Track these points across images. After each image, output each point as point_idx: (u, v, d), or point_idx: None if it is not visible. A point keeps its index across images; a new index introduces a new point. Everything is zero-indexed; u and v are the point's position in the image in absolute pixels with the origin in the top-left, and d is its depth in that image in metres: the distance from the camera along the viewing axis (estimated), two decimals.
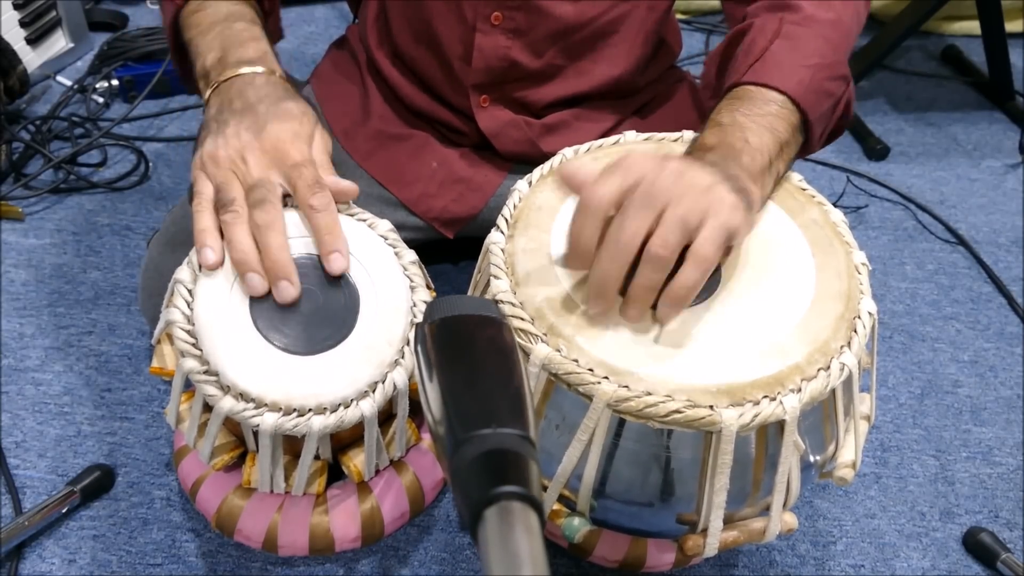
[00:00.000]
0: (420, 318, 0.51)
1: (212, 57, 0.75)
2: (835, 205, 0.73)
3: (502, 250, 0.66)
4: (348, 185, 0.71)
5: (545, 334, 0.61)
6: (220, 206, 0.66)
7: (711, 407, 0.58)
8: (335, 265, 0.66)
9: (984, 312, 1.30)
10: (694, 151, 0.67)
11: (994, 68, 1.71)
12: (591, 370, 0.59)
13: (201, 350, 0.64)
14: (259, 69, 0.74)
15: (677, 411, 0.57)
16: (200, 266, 0.66)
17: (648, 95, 0.97)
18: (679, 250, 0.57)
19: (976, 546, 0.98)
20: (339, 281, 0.68)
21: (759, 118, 0.68)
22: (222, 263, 0.66)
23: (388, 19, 0.91)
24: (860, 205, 1.47)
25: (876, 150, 1.58)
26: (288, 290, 0.64)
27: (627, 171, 0.58)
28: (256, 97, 0.71)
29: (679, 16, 1.83)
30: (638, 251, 0.57)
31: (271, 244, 0.64)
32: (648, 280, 0.57)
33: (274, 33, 0.88)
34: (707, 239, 0.57)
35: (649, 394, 0.58)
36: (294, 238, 0.68)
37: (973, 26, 1.81)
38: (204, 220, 0.66)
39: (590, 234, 0.58)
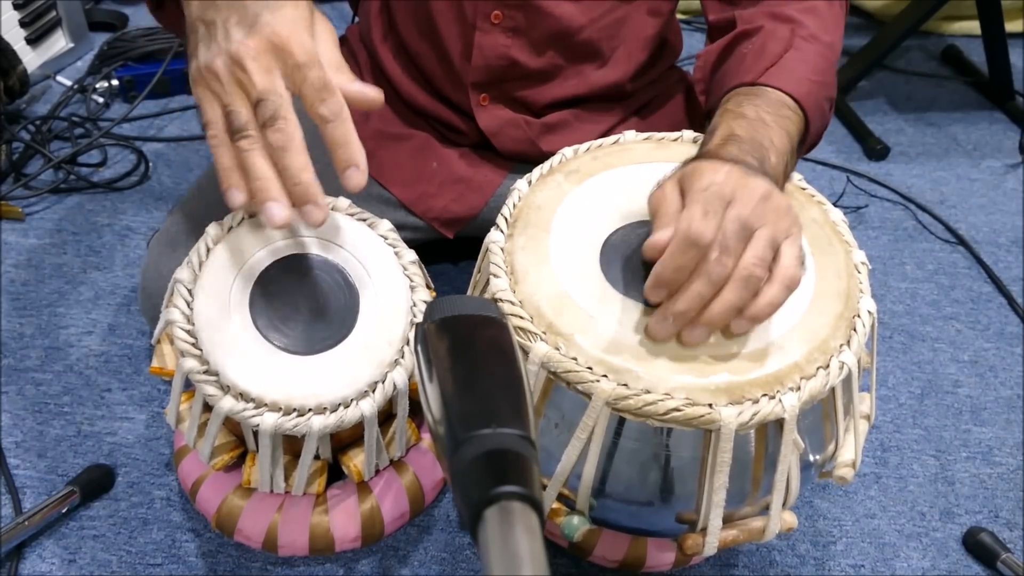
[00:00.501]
0: (420, 318, 0.51)
1: None
2: (835, 205, 0.73)
3: (501, 249, 0.66)
4: (374, 93, 0.63)
5: (544, 332, 0.61)
6: (232, 133, 0.59)
7: (710, 405, 0.58)
8: (352, 180, 0.60)
9: (984, 312, 1.30)
10: (727, 139, 0.65)
11: (994, 68, 1.71)
12: (590, 368, 0.59)
13: (201, 350, 0.64)
14: None
15: (676, 409, 0.57)
16: (228, 205, 0.61)
17: (648, 95, 0.97)
18: (766, 276, 0.58)
19: (976, 546, 0.98)
20: (339, 281, 0.68)
21: (779, 119, 0.69)
22: (247, 203, 0.60)
23: (392, 14, 0.91)
24: (860, 205, 1.47)
25: (876, 150, 1.58)
26: (316, 213, 0.59)
27: (721, 202, 0.57)
28: None
29: (679, 16, 1.83)
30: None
31: (291, 166, 0.58)
32: (739, 299, 0.57)
33: None
34: (791, 258, 0.58)
35: (648, 392, 0.58)
36: (287, 238, 0.68)
37: (973, 26, 1.81)
38: (224, 157, 0.59)
39: (688, 269, 0.57)
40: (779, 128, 0.68)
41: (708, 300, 0.57)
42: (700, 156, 0.64)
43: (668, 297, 0.58)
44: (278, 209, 0.58)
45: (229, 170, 0.59)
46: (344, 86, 0.62)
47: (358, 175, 0.60)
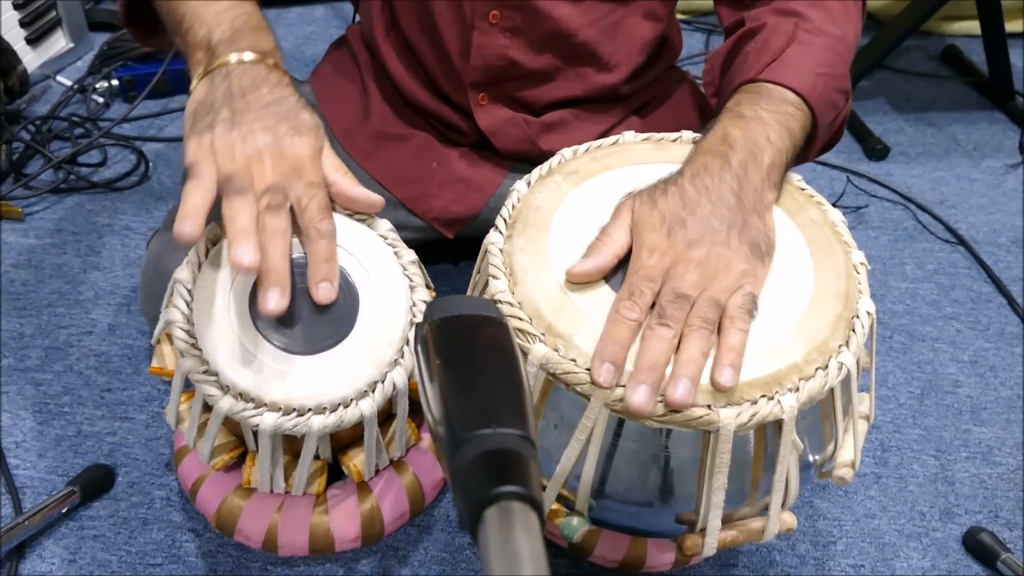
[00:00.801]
0: (420, 318, 0.51)
1: (220, 32, 0.71)
2: (835, 205, 0.73)
3: (500, 250, 0.66)
4: (376, 198, 0.70)
5: (543, 334, 0.61)
6: (231, 190, 0.62)
7: (708, 406, 0.58)
8: (323, 295, 0.64)
9: (984, 312, 1.30)
10: (718, 144, 0.66)
11: (994, 68, 1.71)
12: (588, 369, 0.59)
13: (201, 350, 0.64)
14: (271, 63, 0.71)
15: (674, 410, 0.57)
16: (175, 236, 0.61)
17: (648, 95, 0.97)
18: (716, 326, 0.59)
19: (976, 546, 0.98)
20: (339, 281, 0.68)
21: (779, 116, 0.68)
22: (196, 239, 0.61)
23: (394, 10, 0.91)
24: (860, 205, 1.47)
25: (876, 150, 1.58)
26: (279, 300, 0.61)
27: (650, 279, 0.60)
28: (272, 99, 0.68)
29: (679, 16, 1.83)
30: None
31: (274, 250, 0.62)
32: (697, 351, 0.58)
33: None
34: (737, 305, 0.60)
35: None
36: (293, 238, 0.68)
37: (973, 26, 1.81)
38: (195, 199, 0.61)
39: (629, 342, 0.58)
40: (778, 125, 0.68)
41: (668, 353, 0.57)
42: (675, 173, 0.66)
43: (615, 377, 0.58)
44: (249, 254, 0.60)
45: (195, 209, 0.61)
46: (349, 189, 0.69)
47: (330, 290, 0.65)
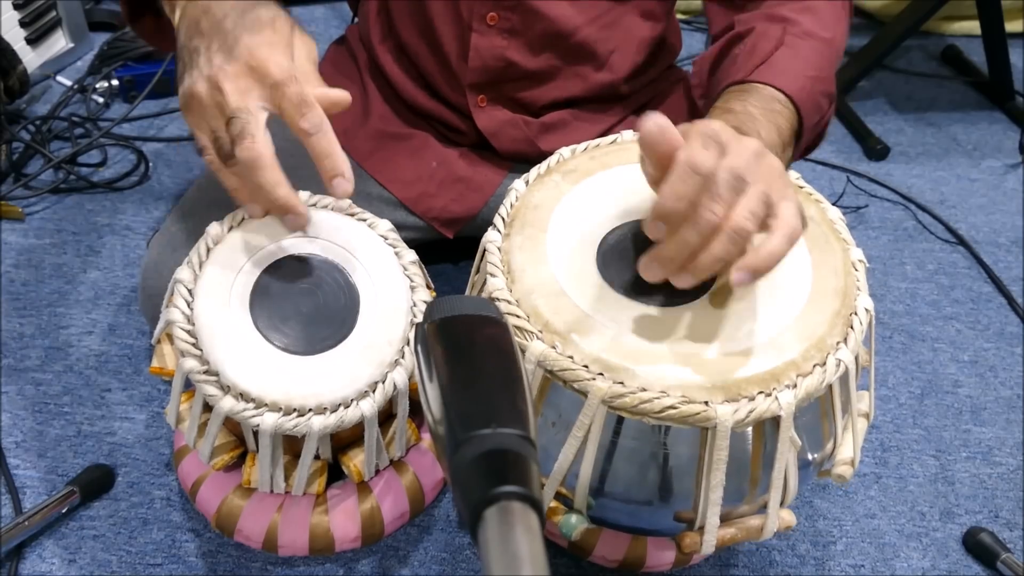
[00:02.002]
0: (420, 318, 0.51)
1: None
2: (835, 205, 0.73)
3: (498, 248, 0.66)
4: (339, 94, 0.64)
5: (540, 331, 0.61)
6: (224, 159, 0.62)
7: (706, 403, 0.58)
8: (339, 189, 0.61)
9: (984, 312, 1.30)
10: None
11: (994, 68, 1.71)
12: (586, 367, 0.59)
13: (201, 350, 0.64)
14: None
15: (672, 407, 0.57)
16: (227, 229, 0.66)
17: (648, 95, 0.97)
18: (759, 225, 0.55)
19: (976, 546, 0.98)
20: (339, 281, 0.68)
21: (768, 113, 0.68)
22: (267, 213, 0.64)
23: (391, 14, 0.91)
24: (860, 205, 1.47)
25: (876, 150, 1.58)
26: (295, 220, 0.62)
27: (719, 143, 0.55)
28: (222, 12, 0.64)
29: (679, 16, 1.83)
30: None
31: (264, 183, 0.60)
32: (725, 253, 0.54)
33: None
34: (791, 211, 0.56)
35: (644, 390, 0.58)
36: (288, 238, 0.68)
37: (973, 26, 1.81)
38: (228, 179, 0.63)
39: (691, 197, 0.53)
40: (767, 121, 0.68)
41: (696, 249, 0.54)
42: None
43: (665, 234, 0.55)
44: (255, 210, 0.62)
45: (236, 190, 0.63)
46: (319, 94, 0.63)
47: (344, 183, 0.62)
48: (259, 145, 0.60)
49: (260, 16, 0.64)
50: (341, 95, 0.64)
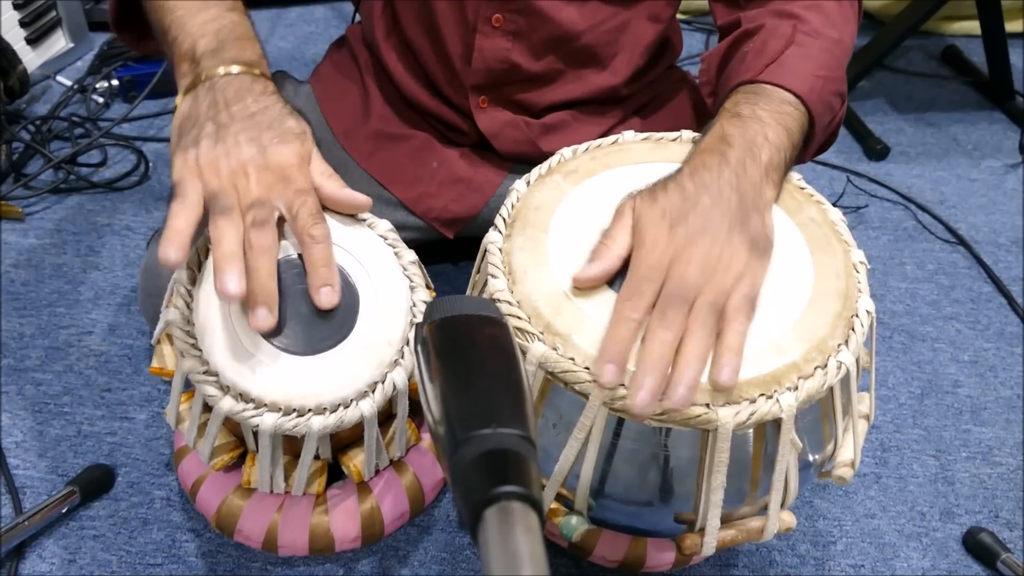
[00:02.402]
0: (420, 318, 0.51)
1: (205, 44, 0.71)
2: (835, 205, 0.73)
3: (499, 249, 0.66)
4: (363, 199, 0.70)
5: (541, 332, 0.61)
6: (216, 210, 0.63)
7: (707, 405, 0.58)
8: (324, 299, 0.64)
9: (984, 312, 1.30)
10: (716, 143, 0.66)
11: (994, 68, 1.71)
12: (587, 368, 0.59)
13: (201, 350, 0.64)
14: (256, 72, 0.71)
15: (672, 409, 0.57)
16: (159, 261, 0.61)
17: (649, 95, 0.97)
18: (716, 327, 0.59)
19: (976, 546, 0.98)
20: (339, 281, 0.68)
21: (777, 115, 0.68)
22: (180, 263, 0.61)
23: (396, 11, 0.91)
24: (860, 205, 1.47)
25: (876, 150, 1.58)
26: (267, 319, 0.61)
27: (650, 279, 0.60)
28: (256, 108, 0.68)
29: (679, 16, 1.83)
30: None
31: (262, 269, 0.62)
32: (695, 355, 0.57)
33: None
34: (736, 308, 0.60)
35: None
36: (293, 238, 0.68)
37: (973, 26, 1.81)
38: (179, 221, 0.61)
39: (631, 341, 0.58)
40: (775, 124, 0.68)
41: (669, 355, 0.57)
42: (675, 172, 0.66)
43: (618, 377, 0.58)
44: (235, 281, 0.60)
45: (179, 231, 0.61)
46: (336, 192, 0.68)
47: (332, 295, 0.65)
48: (273, 236, 0.63)
49: (292, 128, 0.68)
50: (364, 201, 0.70)
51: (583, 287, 0.62)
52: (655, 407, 0.56)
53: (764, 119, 0.67)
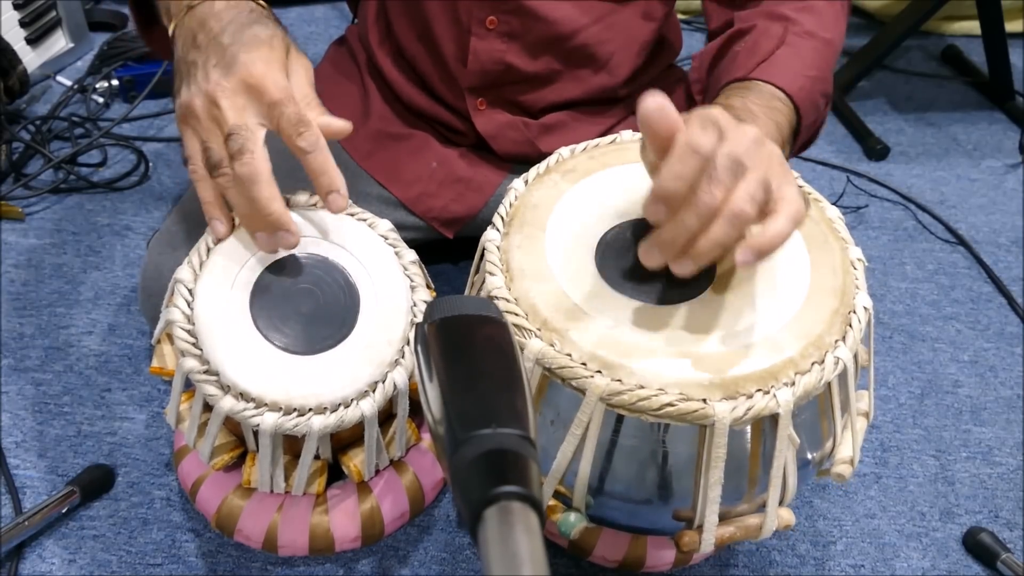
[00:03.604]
0: (420, 318, 0.51)
1: None
2: (835, 205, 0.73)
3: (497, 247, 0.66)
4: (341, 124, 0.66)
5: (539, 329, 0.61)
6: (211, 169, 0.63)
7: (704, 400, 0.58)
8: (334, 204, 0.63)
9: (984, 312, 1.30)
10: None
11: (994, 68, 1.71)
12: (584, 364, 0.59)
13: (201, 350, 0.64)
14: None
15: (670, 404, 0.57)
16: (214, 240, 0.66)
17: None
18: (759, 210, 0.54)
19: (976, 546, 0.98)
20: (339, 281, 0.68)
21: (767, 110, 0.69)
22: (231, 232, 0.65)
23: (389, 18, 0.91)
24: (860, 205, 1.47)
25: (876, 150, 1.58)
26: (288, 238, 0.62)
27: (718, 127, 0.55)
28: (219, 27, 0.65)
29: (679, 16, 1.83)
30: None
31: (259, 197, 0.61)
32: (725, 236, 0.53)
33: None
34: (793, 195, 0.55)
35: (642, 387, 0.58)
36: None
37: (973, 26, 1.81)
38: (205, 190, 0.63)
39: (690, 178, 0.53)
40: (766, 118, 0.68)
41: (695, 232, 0.54)
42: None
43: (665, 216, 0.55)
44: (219, 225, 0.64)
45: (210, 203, 0.64)
46: (320, 121, 0.64)
47: (339, 199, 0.63)
48: (258, 161, 0.61)
49: (257, 34, 0.64)
50: (342, 125, 0.66)
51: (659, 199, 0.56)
52: (691, 268, 0.54)
53: (754, 112, 0.68)
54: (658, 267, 0.57)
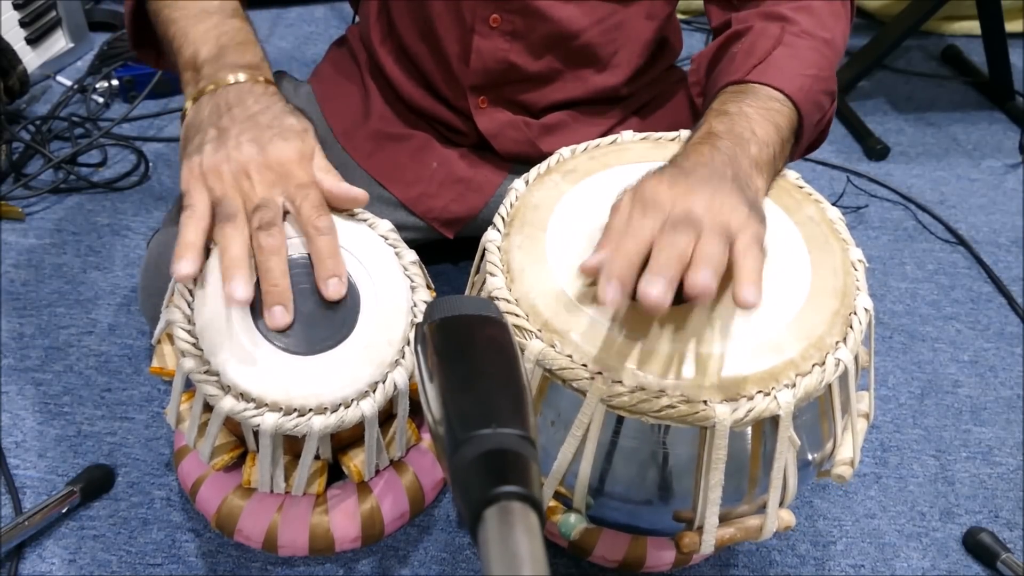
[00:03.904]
0: (420, 318, 0.51)
1: (207, 51, 0.73)
2: (835, 205, 0.73)
3: (498, 248, 0.66)
4: (360, 193, 0.70)
5: (540, 330, 0.61)
6: (221, 217, 0.64)
7: (705, 402, 0.58)
8: (332, 291, 0.65)
9: (984, 312, 1.30)
10: (704, 138, 0.66)
11: (994, 68, 1.71)
12: (585, 365, 0.59)
13: (201, 350, 0.64)
14: (259, 77, 0.72)
15: (670, 406, 0.57)
16: (174, 275, 0.64)
17: (648, 95, 0.97)
18: (726, 259, 0.55)
19: (976, 546, 0.98)
20: (346, 272, 0.68)
21: (764, 111, 0.68)
22: (195, 276, 0.64)
23: (391, 16, 0.91)
24: (860, 205, 1.47)
25: (876, 150, 1.58)
26: (283, 317, 0.64)
27: (658, 203, 0.56)
28: (257, 109, 0.69)
29: (679, 16, 1.83)
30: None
31: (274, 269, 0.63)
32: (713, 254, 0.54)
33: None
34: (750, 241, 0.56)
35: (642, 389, 0.58)
36: (294, 238, 0.68)
37: (973, 26, 1.81)
38: (190, 233, 0.64)
39: (636, 262, 0.54)
40: (763, 119, 0.68)
41: (686, 250, 0.54)
42: (668, 162, 0.64)
43: (621, 293, 0.54)
44: (243, 287, 0.62)
45: (190, 245, 0.63)
46: (334, 186, 0.69)
47: (339, 286, 0.66)
48: (281, 236, 0.65)
49: (293, 126, 0.69)
50: (360, 194, 0.70)
51: (590, 274, 0.60)
52: (668, 299, 0.53)
53: (751, 115, 0.68)
54: (670, 298, 0.54)
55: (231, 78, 0.71)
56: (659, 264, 0.53)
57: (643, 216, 0.56)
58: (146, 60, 0.89)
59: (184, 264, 0.63)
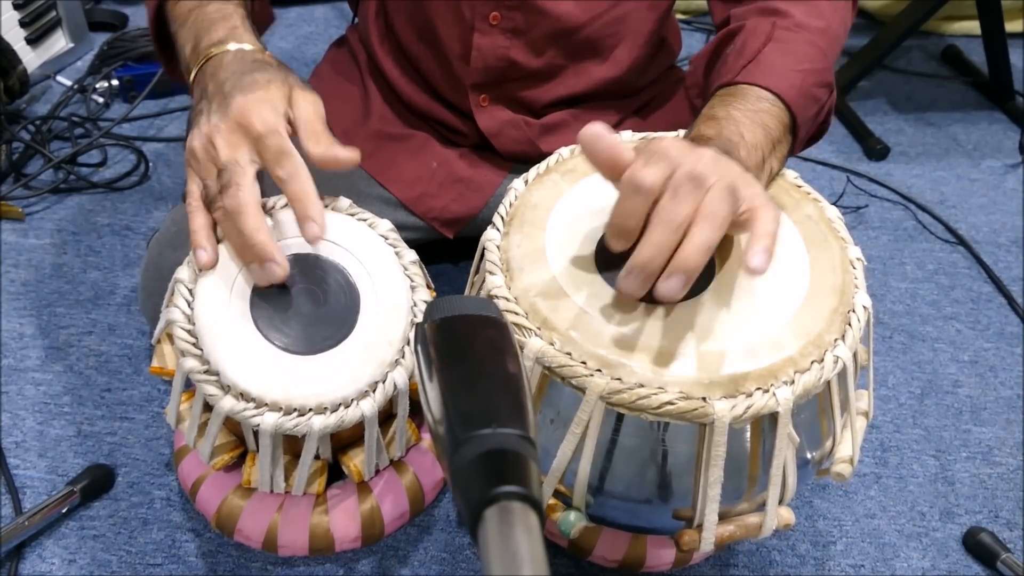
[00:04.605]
0: (420, 318, 0.51)
1: (188, 48, 0.73)
2: (835, 205, 0.73)
3: (497, 247, 0.66)
4: (347, 154, 0.67)
5: (539, 328, 0.61)
6: (209, 203, 0.65)
7: (704, 399, 0.58)
8: (309, 232, 0.65)
9: (984, 312, 1.30)
10: (693, 141, 0.66)
11: (994, 68, 1.71)
12: (584, 363, 0.59)
13: (201, 350, 0.64)
14: (230, 47, 0.70)
15: (670, 403, 0.57)
16: (198, 266, 0.66)
17: (648, 95, 0.97)
18: (733, 210, 0.55)
19: (976, 546, 0.98)
20: (339, 281, 0.68)
21: (753, 114, 0.68)
22: (215, 263, 0.65)
23: (389, 16, 0.91)
24: (860, 205, 1.47)
25: (876, 150, 1.58)
26: (275, 269, 0.63)
27: (667, 157, 0.56)
28: (225, 75, 0.68)
29: (679, 16, 1.83)
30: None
31: (244, 228, 0.63)
32: (707, 238, 0.54)
33: (260, 14, 0.84)
34: (764, 196, 0.56)
35: (642, 386, 0.58)
36: (290, 237, 0.68)
37: (973, 26, 1.81)
38: (196, 220, 0.66)
39: (640, 214, 0.55)
40: (752, 123, 0.67)
41: (668, 247, 0.54)
42: None
43: (626, 246, 0.56)
44: (202, 254, 0.65)
45: (198, 231, 0.65)
46: (321, 152, 0.66)
47: (314, 227, 0.65)
48: (243, 193, 0.63)
49: (256, 78, 0.67)
50: (348, 156, 0.67)
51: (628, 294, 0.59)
52: (642, 293, 0.56)
53: (739, 119, 0.67)
54: (641, 293, 0.57)
55: (203, 59, 0.71)
56: (640, 259, 0.55)
57: (648, 154, 0.56)
58: (172, 74, 0.86)
59: (201, 253, 0.65)
